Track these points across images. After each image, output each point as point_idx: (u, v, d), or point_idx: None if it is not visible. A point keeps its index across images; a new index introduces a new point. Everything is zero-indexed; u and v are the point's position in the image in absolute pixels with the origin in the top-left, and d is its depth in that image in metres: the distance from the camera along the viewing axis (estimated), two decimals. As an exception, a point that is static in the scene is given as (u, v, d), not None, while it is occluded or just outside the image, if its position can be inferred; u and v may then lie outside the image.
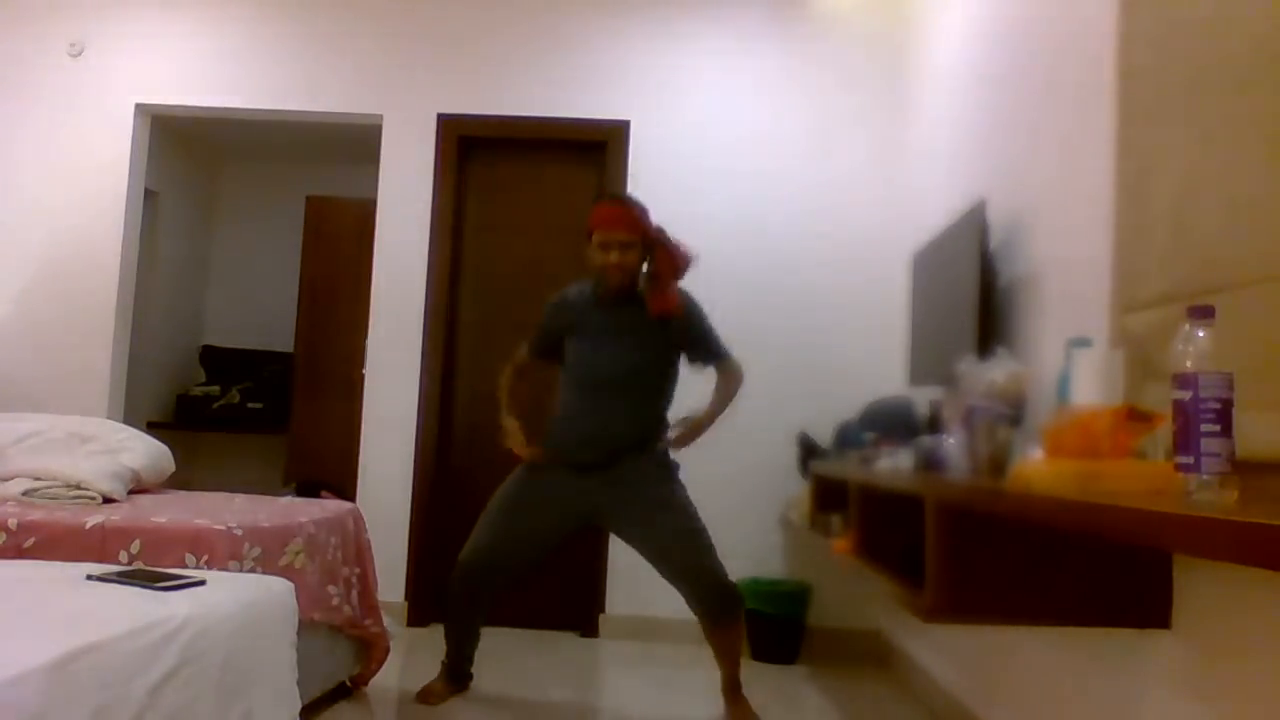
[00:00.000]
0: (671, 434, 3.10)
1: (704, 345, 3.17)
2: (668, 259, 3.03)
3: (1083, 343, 1.92)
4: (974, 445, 1.99)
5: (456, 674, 3.24)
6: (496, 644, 3.88)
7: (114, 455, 3.22)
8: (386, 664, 3.26)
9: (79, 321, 4.51)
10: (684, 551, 2.99)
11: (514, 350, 3.29)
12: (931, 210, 3.76)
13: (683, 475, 3.19)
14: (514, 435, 3.12)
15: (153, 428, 5.41)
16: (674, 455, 3.15)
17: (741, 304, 4.36)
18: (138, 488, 3.21)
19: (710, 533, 3.03)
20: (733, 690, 3.11)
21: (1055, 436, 1.62)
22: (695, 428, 3.11)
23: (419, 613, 4.30)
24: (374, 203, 4.56)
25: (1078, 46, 2.39)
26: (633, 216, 3.03)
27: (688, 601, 3.04)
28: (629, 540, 3.09)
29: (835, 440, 3.65)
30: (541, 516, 3.09)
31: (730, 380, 3.20)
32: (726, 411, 3.18)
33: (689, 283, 3.15)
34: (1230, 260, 1.62)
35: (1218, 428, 1.17)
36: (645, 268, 3.08)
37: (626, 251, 3.00)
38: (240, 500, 3.21)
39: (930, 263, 3.24)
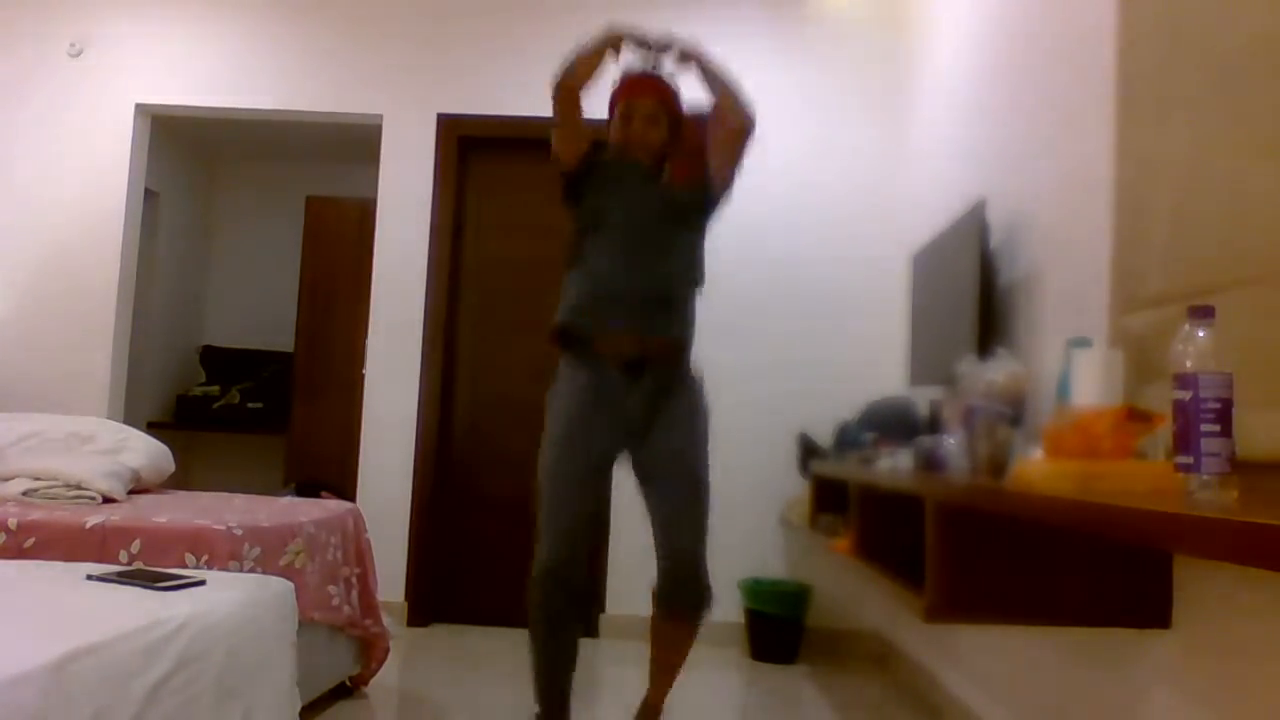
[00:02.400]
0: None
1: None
2: (696, 136, 2.60)
3: (1083, 343, 1.92)
4: (974, 445, 1.99)
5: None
6: (497, 644, 3.89)
7: (114, 455, 3.22)
8: (386, 664, 3.26)
9: (79, 321, 4.51)
10: (678, 503, 2.48)
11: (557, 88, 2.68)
12: (931, 210, 3.76)
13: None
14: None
15: (153, 428, 5.42)
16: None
17: (741, 304, 4.36)
18: (138, 488, 3.21)
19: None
20: (652, 716, 2.66)
21: (1055, 436, 1.62)
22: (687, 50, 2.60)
23: (419, 613, 4.30)
24: (374, 203, 4.56)
25: (1078, 47, 2.39)
26: (659, 85, 2.60)
27: (657, 577, 2.53)
28: (638, 465, 2.55)
29: (835, 440, 3.65)
30: (595, 449, 2.50)
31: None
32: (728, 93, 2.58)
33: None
34: (1230, 260, 1.62)
35: (1218, 428, 1.17)
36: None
37: (650, 127, 2.57)
38: (240, 500, 3.21)
39: (930, 263, 3.24)
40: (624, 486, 3.15)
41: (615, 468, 2.58)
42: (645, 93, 2.58)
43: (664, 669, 2.63)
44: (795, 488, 4.11)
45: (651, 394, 2.51)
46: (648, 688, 2.66)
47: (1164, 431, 1.44)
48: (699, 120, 2.64)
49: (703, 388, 2.62)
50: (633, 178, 2.61)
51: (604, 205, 2.59)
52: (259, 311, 6.31)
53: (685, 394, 2.57)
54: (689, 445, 2.52)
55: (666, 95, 2.61)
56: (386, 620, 3.24)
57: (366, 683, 3.21)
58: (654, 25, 4.50)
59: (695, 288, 2.64)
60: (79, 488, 2.88)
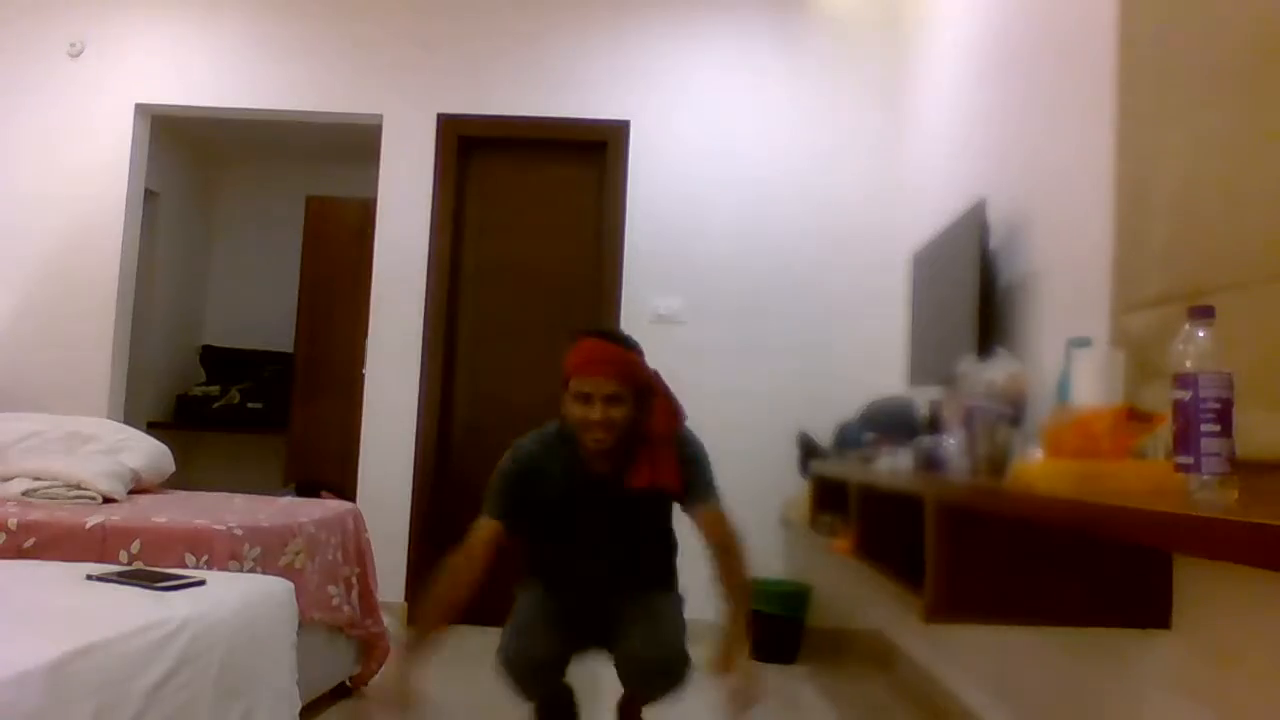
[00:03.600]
0: (710, 667, 2.32)
1: (701, 488, 2.43)
2: (664, 416, 2.36)
3: (1083, 343, 1.92)
4: (974, 445, 1.99)
5: None
6: (496, 644, 3.87)
7: (114, 455, 3.22)
8: (386, 664, 3.26)
9: (79, 321, 4.51)
10: (646, 628, 2.37)
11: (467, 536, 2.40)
12: (931, 210, 3.76)
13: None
14: (399, 682, 2.27)
15: (153, 428, 5.41)
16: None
17: (742, 304, 4.36)
18: (138, 488, 3.21)
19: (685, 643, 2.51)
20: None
21: (1055, 436, 1.62)
22: (731, 651, 2.31)
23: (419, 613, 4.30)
24: (374, 203, 4.56)
25: (1078, 46, 2.39)
26: (622, 359, 2.31)
27: (620, 670, 2.39)
28: (610, 642, 2.44)
29: (835, 440, 3.65)
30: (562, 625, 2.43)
31: (731, 547, 2.40)
32: (748, 612, 2.41)
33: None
34: (1230, 260, 1.62)
35: (1218, 428, 1.17)
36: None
37: (612, 406, 2.28)
38: (240, 500, 3.21)
39: (930, 263, 3.24)
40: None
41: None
42: (602, 372, 2.28)
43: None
44: (795, 488, 4.10)
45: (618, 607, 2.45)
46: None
47: (1164, 431, 1.44)
48: (668, 397, 2.40)
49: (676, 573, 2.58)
50: (589, 503, 2.40)
51: (554, 552, 2.47)
52: (259, 311, 6.31)
53: (661, 590, 2.52)
54: (669, 637, 2.38)
55: (627, 367, 2.32)
56: (386, 620, 3.24)
57: (366, 683, 3.21)
58: (654, 25, 4.51)
59: (672, 556, 2.56)
60: (79, 488, 2.88)
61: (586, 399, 2.29)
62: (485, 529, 2.38)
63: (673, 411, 2.39)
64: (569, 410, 2.33)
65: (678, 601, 2.54)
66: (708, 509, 2.40)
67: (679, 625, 2.43)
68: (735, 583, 2.37)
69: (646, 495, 2.37)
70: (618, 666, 2.37)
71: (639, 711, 2.58)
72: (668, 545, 2.56)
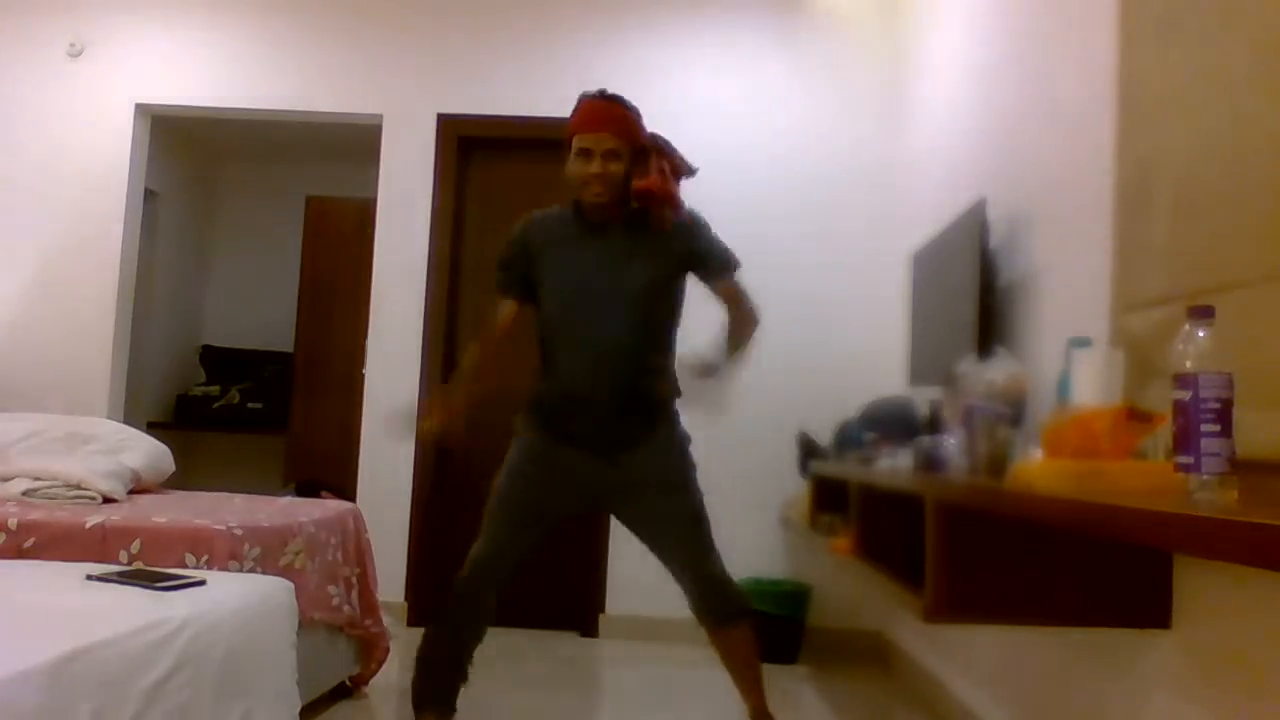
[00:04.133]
0: (688, 370, 2.47)
1: (718, 255, 2.54)
2: (665, 165, 2.46)
3: (1083, 343, 1.92)
4: (974, 445, 1.99)
5: (447, 701, 2.58)
6: (496, 644, 3.87)
7: (114, 455, 3.22)
8: (386, 664, 3.26)
9: (79, 321, 4.51)
10: (684, 544, 2.54)
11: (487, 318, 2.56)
12: (931, 210, 3.76)
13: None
14: (442, 400, 2.51)
15: (153, 428, 5.41)
16: (684, 420, 2.60)
17: (741, 304, 4.36)
18: (138, 488, 3.21)
19: (711, 532, 2.88)
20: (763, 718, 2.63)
21: (1055, 436, 1.61)
22: (722, 361, 2.50)
23: (419, 613, 4.30)
24: (374, 203, 4.56)
25: (1078, 46, 2.39)
26: (620, 115, 2.43)
27: (688, 599, 2.62)
28: (628, 523, 2.58)
29: (835, 440, 3.65)
30: (546, 510, 2.55)
31: (743, 312, 2.56)
32: (748, 346, 2.59)
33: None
34: (1230, 260, 1.62)
35: (1218, 428, 1.17)
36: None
37: (610, 161, 2.39)
38: (240, 500, 3.21)
39: (930, 262, 3.24)
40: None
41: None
42: (602, 126, 2.40)
43: (743, 674, 2.66)
44: (795, 488, 4.10)
45: (620, 466, 2.51)
46: (746, 702, 2.67)
47: (1164, 431, 1.44)
48: (670, 151, 2.49)
49: (678, 416, 2.60)
50: (594, 253, 2.48)
51: (562, 300, 2.49)
52: (259, 311, 6.31)
53: (662, 436, 2.54)
54: (677, 491, 2.53)
55: (625, 124, 2.43)
56: (386, 620, 3.24)
57: (366, 683, 3.21)
58: (654, 25, 4.51)
59: (673, 358, 2.57)
60: (79, 488, 2.88)
61: (586, 155, 2.40)
62: (503, 310, 2.57)
63: (677, 162, 2.48)
64: (570, 170, 2.44)
65: (690, 465, 2.57)
66: (727, 282, 2.56)
67: (705, 524, 2.56)
68: (738, 332, 2.56)
69: (653, 242, 2.46)
70: (680, 582, 2.57)
71: (743, 652, 2.66)
72: (672, 315, 2.57)
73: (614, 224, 2.48)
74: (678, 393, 2.56)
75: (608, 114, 2.42)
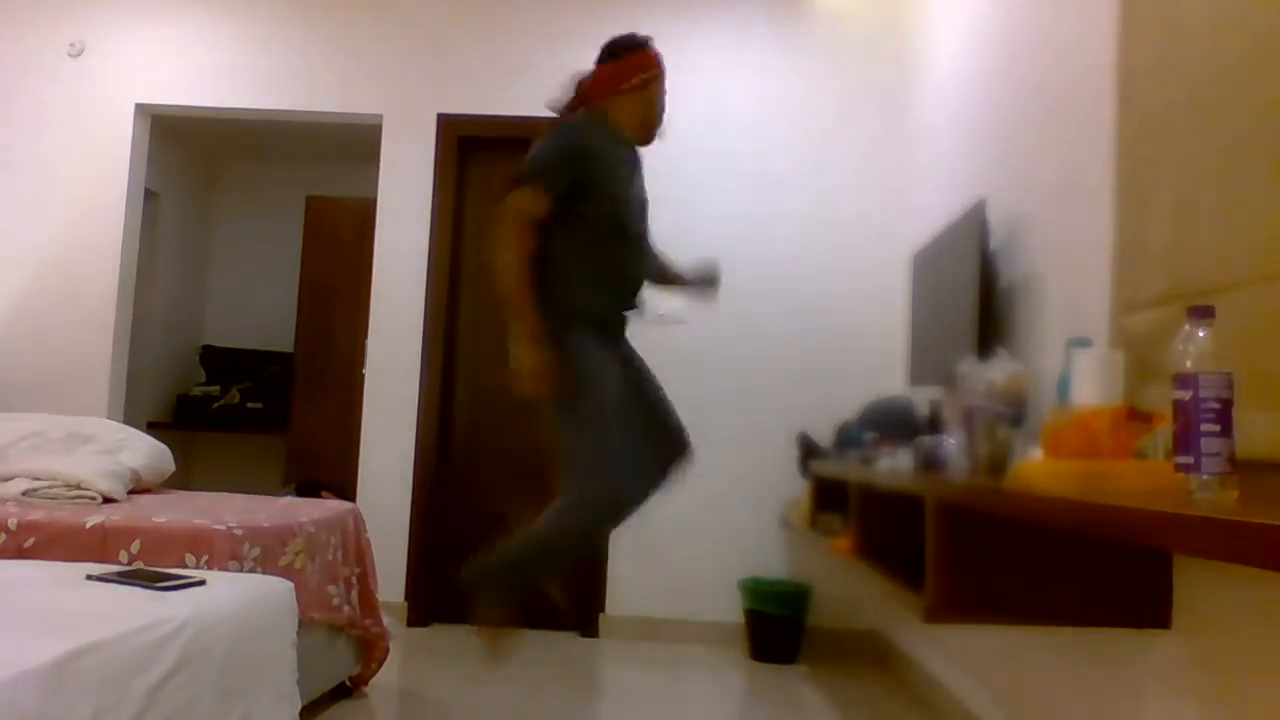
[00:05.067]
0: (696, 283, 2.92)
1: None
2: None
3: (1083, 343, 1.92)
4: (974, 445, 1.99)
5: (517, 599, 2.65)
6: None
7: (114, 455, 3.22)
8: (386, 664, 3.26)
9: (79, 322, 4.52)
10: (670, 410, 2.81)
11: (515, 195, 2.58)
12: (931, 210, 3.76)
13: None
14: (541, 363, 2.49)
15: (153, 428, 5.42)
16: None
17: (742, 304, 4.36)
18: (138, 488, 3.21)
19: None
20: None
21: (1055, 436, 1.61)
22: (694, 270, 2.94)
23: (419, 613, 4.30)
24: (374, 203, 4.56)
25: (1078, 46, 2.39)
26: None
27: (663, 460, 2.76)
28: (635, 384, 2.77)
29: (835, 440, 3.65)
30: (639, 401, 2.76)
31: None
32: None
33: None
34: (1230, 260, 1.62)
35: (1218, 428, 1.17)
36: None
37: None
38: (240, 500, 3.21)
39: (930, 263, 3.24)
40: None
41: None
42: (664, 72, 2.84)
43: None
44: (795, 488, 4.11)
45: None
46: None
47: (1164, 431, 1.44)
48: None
49: None
50: (630, 169, 2.77)
51: (614, 207, 2.69)
52: (259, 311, 6.32)
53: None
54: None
55: None
56: (386, 620, 3.24)
57: (366, 683, 3.21)
58: (653, 26, 4.51)
59: None
60: (79, 488, 2.88)
61: (657, 104, 2.81)
62: (536, 201, 2.58)
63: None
64: (656, 107, 2.82)
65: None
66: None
67: None
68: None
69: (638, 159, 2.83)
70: (662, 445, 2.76)
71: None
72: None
73: (630, 145, 2.79)
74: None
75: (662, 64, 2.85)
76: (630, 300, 2.77)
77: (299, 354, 5.58)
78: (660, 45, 4.65)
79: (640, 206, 2.80)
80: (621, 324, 2.79)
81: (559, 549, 2.58)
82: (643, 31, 4.55)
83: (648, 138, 2.82)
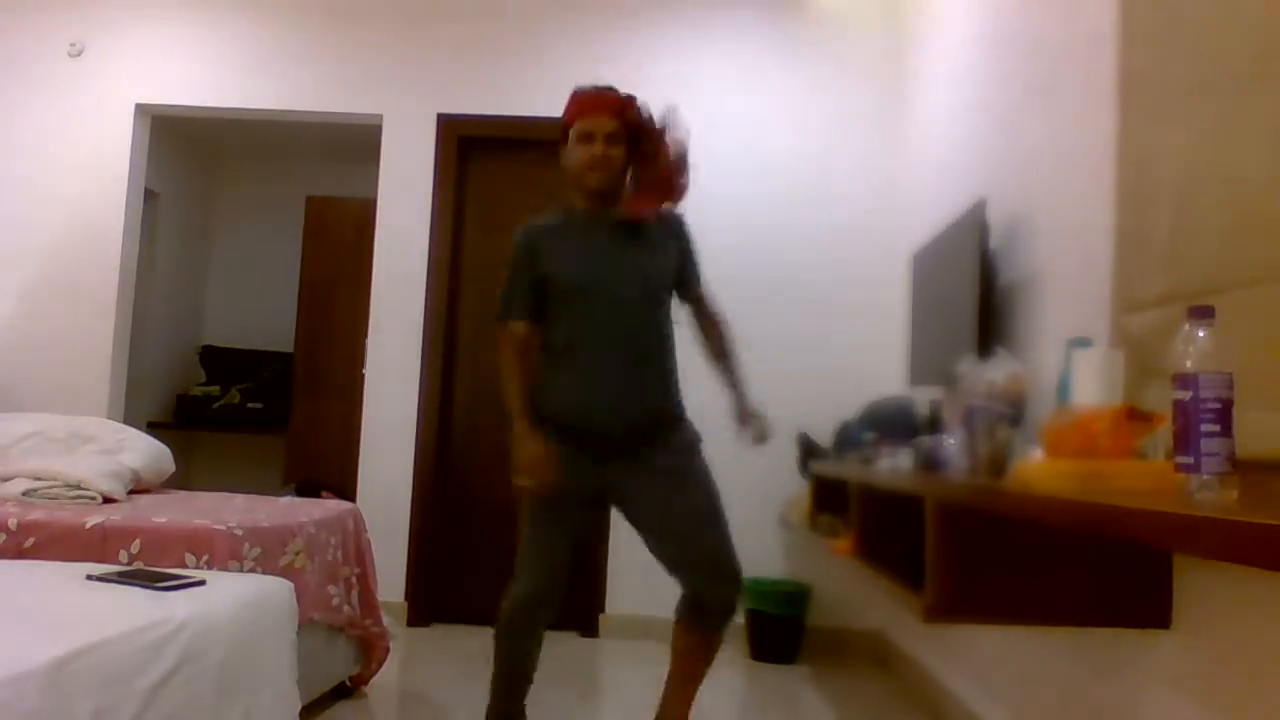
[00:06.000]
0: (745, 430, 2.53)
1: (696, 266, 2.58)
2: (663, 150, 2.44)
3: (1083, 343, 1.92)
4: (974, 445, 1.99)
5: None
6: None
7: (114, 455, 3.22)
8: (386, 664, 3.26)
9: (79, 321, 4.51)
10: (701, 532, 2.42)
11: (499, 331, 2.50)
12: (931, 210, 3.76)
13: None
14: (534, 456, 2.35)
15: (153, 428, 5.42)
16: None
17: (741, 304, 4.36)
18: (138, 488, 3.21)
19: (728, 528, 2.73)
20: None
21: (1055, 436, 1.61)
22: (745, 404, 2.54)
23: (419, 613, 4.30)
24: (374, 203, 4.56)
25: (1078, 46, 2.39)
26: (620, 100, 2.42)
27: (689, 590, 2.48)
28: (635, 519, 2.48)
29: (835, 440, 3.65)
30: (577, 527, 2.47)
31: (722, 323, 2.63)
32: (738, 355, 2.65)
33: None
34: (1230, 260, 1.62)
35: (1218, 428, 1.17)
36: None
37: (611, 145, 2.40)
38: (240, 500, 3.21)
39: (930, 263, 3.24)
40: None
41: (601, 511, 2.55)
42: (602, 111, 2.40)
43: (692, 681, 2.59)
44: (795, 488, 4.11)
45: (635, 461, 2.45)
46: (671, 709, 2.59)
47: (1164, 431, 1.44)
48: (662, 131, 2.46)
49: (698, 442, 2.54)
50: (599, 250, 2.44)
51: (576, 302, 2.41)
52: (259, 311, 6.32)
53: (676, 437, 2.49)
54: (696, 484, 2.46)
55: (624, 109, 2.42)
56: (386, 620, 3.24)
57: (366, 683, 3.21)
58: (653, 25, 4.51)
59: (674, 348, 2.55)
60: (79, 488, 2.88)
61: (588, 139, 2.40)
62: (514, 331, 2.47)
63: (677, 144, 2.45)
64: (571, 157, 2.43)
65: (704, 462, 2.51)
66: (702, 291, 2.61)
67: (722, 513, 2.49)
68: (730, 349, 2.62)
69: (653, 239, 2.47)
70: (686, 569, 2.45)
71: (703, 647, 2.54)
72: (671, 312, 2.54)
73: (611, 214, 2.46)
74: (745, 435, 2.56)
75: (607, 98, 2.42)
76: (610, 410, 2.39)
77: (299, 354, 5.59)
78: (661, 45, 4.68)
79: (635, 277, 2.42)
80: (605, 439, 2.41)
81: (497, 674, 2.51)
82: (641, 36, 4.57)
83: (593, 196, 2.44)
